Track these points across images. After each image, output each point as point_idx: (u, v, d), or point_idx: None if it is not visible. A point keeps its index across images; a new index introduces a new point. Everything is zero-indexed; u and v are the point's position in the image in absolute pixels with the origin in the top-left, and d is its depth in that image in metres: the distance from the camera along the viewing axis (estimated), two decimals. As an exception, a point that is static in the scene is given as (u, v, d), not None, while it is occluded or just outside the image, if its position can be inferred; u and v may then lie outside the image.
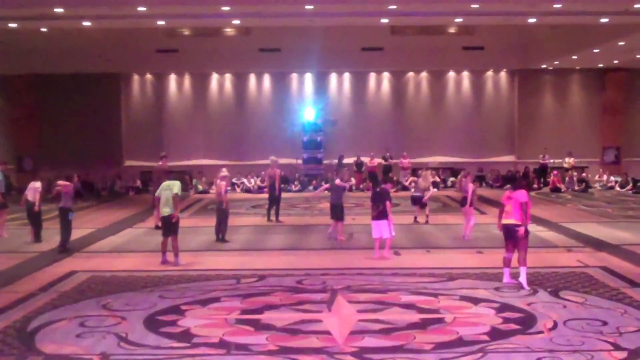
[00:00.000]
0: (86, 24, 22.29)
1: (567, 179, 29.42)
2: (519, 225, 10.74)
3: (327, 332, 8.47)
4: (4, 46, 27.15)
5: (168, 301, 10.15)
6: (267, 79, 32.51)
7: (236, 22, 24.43)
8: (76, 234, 16.31)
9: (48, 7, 19.35)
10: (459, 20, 23.94)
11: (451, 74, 32.69)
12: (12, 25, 22.43)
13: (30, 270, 12.60)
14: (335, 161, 30.72)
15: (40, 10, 19.94)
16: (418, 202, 18.65)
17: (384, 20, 23.81)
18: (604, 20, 21.41)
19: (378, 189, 14.17)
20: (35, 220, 16.04)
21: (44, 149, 31.26)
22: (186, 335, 8.48)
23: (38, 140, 31.53)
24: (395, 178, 29.82)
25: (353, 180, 15.73)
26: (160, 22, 23.16)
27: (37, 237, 15.82)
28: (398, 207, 22.52)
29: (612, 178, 29.81)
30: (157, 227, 16.08)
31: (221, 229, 15.96)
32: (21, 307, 9.86)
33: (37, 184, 16.43)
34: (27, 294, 10.65)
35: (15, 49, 28.00)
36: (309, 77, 32.41)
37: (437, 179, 30.04)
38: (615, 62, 29.56)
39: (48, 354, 7.80)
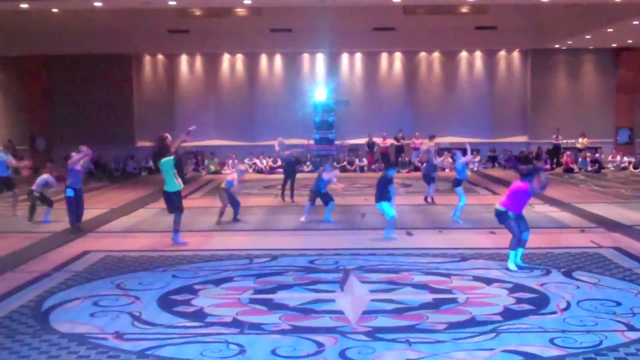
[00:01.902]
0: (97, 4, 22.26)
1: (580, 159, 29.30)
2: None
3: (340, 312, 8.48)
4: (16, 27, 27.19)
5: (181, 281, 10.18)
6: (278, 60, 32.45)
7: (247, 2, 24.37)
8: (89, 214, 16.37)
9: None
10: (471, -1, 23.81)
11: (463, 54, 32.53)
12: (24, 6, 22.42)
13: (43, 251, 12.65)
14: (347, 142, 30.79)
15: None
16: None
17: (396, 0, 23.68)
18: (618, -1, 21.24)
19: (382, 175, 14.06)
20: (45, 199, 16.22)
21: (57, 129, 31.38)
22: (200, 315, 8.51)
23: (51, 120, 31.64)
24: (407, 158, 29.85)
25: (337, 182, 15.79)
26: (172, 2, 23.12)
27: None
28: (410, 188, 22.50)
29: (625, 158, 29.69)
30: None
31: (235, 210, 15.98)
32: (35, 287, 9.91)
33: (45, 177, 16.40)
34: (41, 274, 10.70)
35: (27, 30, 28.05)
36: (320, 58, 32.31)
37: (450, 160, 29.98)
38: (629, 41, 29.30)
39: (62, 333, 7.84)
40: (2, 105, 32.42)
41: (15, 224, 15.92)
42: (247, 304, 9.02)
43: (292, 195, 19.38)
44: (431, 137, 29.33)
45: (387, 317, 8.31)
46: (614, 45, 30.56)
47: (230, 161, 30.10)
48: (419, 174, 26.86)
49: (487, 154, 31.55)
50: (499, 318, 8.23)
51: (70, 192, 14.41)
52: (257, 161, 30.01)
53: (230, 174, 16.69)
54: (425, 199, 18.76)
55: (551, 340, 7.37)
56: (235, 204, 15.96)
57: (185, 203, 16.15)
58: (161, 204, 18.17)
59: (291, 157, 19.79)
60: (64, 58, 30.97)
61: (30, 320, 8.37)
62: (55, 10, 24.67)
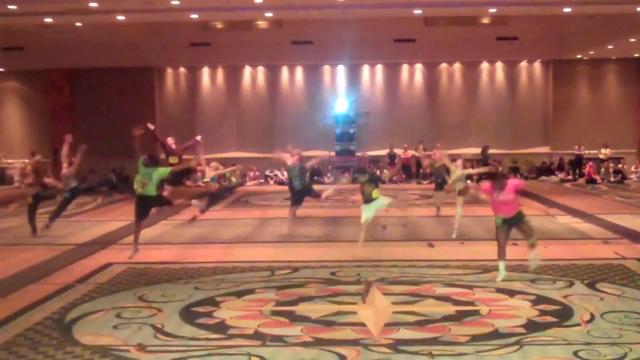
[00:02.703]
0: (120, 18, 22.50)
1: (602, 170, 29.09)
2: None
3: (362, 324, 8.46)
4: (40, 41, 27.51)
5: (203, 293, 10.20)
6: (299, 71, 32.54)
7: (269, 14, 24.47)
8: (111, 226, 16.48)
9: (83, 1, 19.57)
10: (492, 10, 23.78)
11: (485, 65, 32.45)
12: (48, 20, 22.72)
13: (66, 263, 12.73)
14: (368, 153, 30.83)
15: (75, 4, 20.18)
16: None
17: (417, 11, 23.70)
18: (641, 8, 21.12)
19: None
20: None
21: (80, 142, 31.44)
22: (222, 327, 8.53)
23: (73, 133, 31.74)
24: (428, 170, 29.76)
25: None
26: (194, 16, 23.31)
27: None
28: (431, 200, 22.41)
29: (648, 169, 29.45)
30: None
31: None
32: (58, 299, 9.97)
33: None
34: (64, 286, 10.77)
35: (51, 43, 28.36)
36: (341, 69, 32.38)
37: (471, 170, 29.82)
38: (652, 51, 29.16)
39: (85, 345, 7.89)
40: (26, 117, 32.75)
41: (38, 236, 16.01)
42: (268, 315, 9.02)
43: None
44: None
45: (409, 330, 8.28)
46: (637, 55, 30.37)
47: (252, 172, 30.19)
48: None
49: (508, 165, 31.39)
50: (522, 330, 8.17)
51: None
52: (278, 173, 30.05)
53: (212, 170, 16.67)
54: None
55: (575, 353, 7.31)
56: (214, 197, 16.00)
57: (207, 215, 16.25)
58: (183, 215, 18.35)
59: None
60: (88, 71, 31.25)
61: (54, 332, 8.42)
62: (78, 24, 24.93)
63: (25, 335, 8.29)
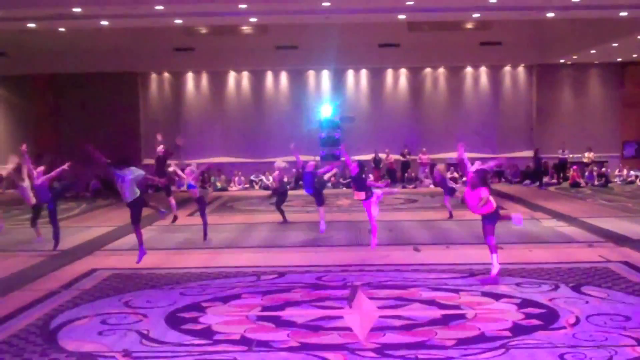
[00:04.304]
0: (104, 23, 22.41)
1: (586, 173, 29.25)
2: None
3: (348, 329, 8.45)
4: (23, 46, 27.37)
5: (189, 298, 10.17)
6: (284, 77, 32.54)
7: (253, 20, 24.45)
8: (96, 232, 16.41)
9: (66, 6, 19.48)
10: (476, 15, 23.83)
11: (469, 70, 32.58)
12: (31, 25, 22.58)
13: (50, 269, 12.66)
14: (353, 158, 30.82)
15: (59, 10, 20.07)
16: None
17: (401, 17, 23.75)
18: (623, 13, 21.25)
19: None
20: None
21: (64, 147, 31.43)
22: (207, 332, 8.50)
23: (58, 139, 31.71)
24: (413, 174, 29.84)
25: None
26: (178, 21, 23.25)
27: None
28: (416, 204, 22.53)
29: (632, 172, 29.63)
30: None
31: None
32: (43, 305, 9.92)
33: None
34: (49, 292, 10.71)
35: (34, 49, 28.22)
36: (325, 74, 32.40)
37: (456, 175, 29.99)
38: (635, 56, 29.36)
39: (70, 352, 7.83)
40: (10, 123, 32.51)
41: (22, 242, 15.90)
42: (255, 321, 9.00)
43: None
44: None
45: (395, 334, 8.28)
46: (620, 59, 30.58)
47: (237, 178, 30.16)
48: (425, 190, 26.94)
49: (493, 170, 31.47)
50: (508, 334, 8.19)
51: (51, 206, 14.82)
52: (264, 177, 30.02)
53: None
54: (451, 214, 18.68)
55: (561, 356, 7.33)
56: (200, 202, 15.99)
57: (192, 220, 16.21)
58: (168, 220, 18.33)
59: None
60: (71, 77, 31.09)
61: (38, 339, 8.36)
62: (62, 29, 24.81)
63: (9, 342, 8.22)
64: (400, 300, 9.88)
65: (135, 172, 12.64)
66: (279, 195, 18.65)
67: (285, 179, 19.36)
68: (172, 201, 18.39)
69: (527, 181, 29.82)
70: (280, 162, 18.82)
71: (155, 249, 14.67)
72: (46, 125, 31.57)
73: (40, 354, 7.75)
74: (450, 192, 18.77)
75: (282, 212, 18.39)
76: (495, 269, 10.94)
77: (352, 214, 19.45)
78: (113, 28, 24.53)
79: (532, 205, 21.43)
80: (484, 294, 10.07)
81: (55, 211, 15.02)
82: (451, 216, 18.48)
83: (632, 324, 8.43)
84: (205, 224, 15.67)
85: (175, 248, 14.72)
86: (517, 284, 10.62)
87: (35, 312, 9.56)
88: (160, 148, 18.83)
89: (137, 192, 12.58)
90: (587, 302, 9.49)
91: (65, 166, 15.59)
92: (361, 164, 13.78)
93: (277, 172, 18.86)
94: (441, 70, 32.59)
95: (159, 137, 18.90)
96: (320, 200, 16.04)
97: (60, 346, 8.06)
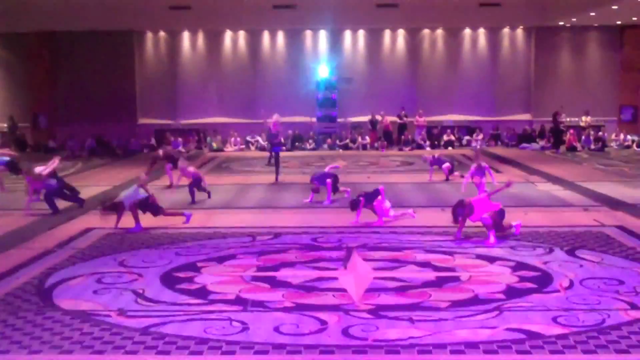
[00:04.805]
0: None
1: (583, 137, 29.21)
2: None
3: (343, 290, 8.49)
4: (17, 4, 27.07)
5: (184, 258, 10.20)
6: (281, 36, 32.27)
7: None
8: (92, 191, 16.40)
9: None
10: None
11: (467, 31, 32.32)
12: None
13: (46, 228, 12.68)
14: (350, 119, 30.82)
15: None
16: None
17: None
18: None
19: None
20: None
21: (59, 106, 31.32)
22: (202, 292, 8.53)
23: (52, 97, 31.53)
24: (409, 136, 29.79)
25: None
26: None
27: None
28: (412, 166, 22.52)
29: (628, 137, 29.55)
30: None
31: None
32: (38, 264, 9.94)
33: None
34: (44, 251, 10.74)
35: (29, 7, 27.89)
36: (323, 35, 32.13)
37: (452, 138, 30.02)
38: (634, 19, 29.09)
39: (66, 310, 7.86)
40: (4, 82, 32.28)
41: (18, 201, 15.86)
42: (249, 281, 9.03)
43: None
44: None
45: (390, 295, 8.32)
46: (619, 22, 30.34)
47: (233, 138, 30.09)
48: (421, 151, 26.88)
49: (489, 132, 31.44)
50: (501, 296, 8.23)
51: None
52: (260, 138, 29.92)
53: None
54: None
55: (554, 319, 7.38)
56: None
57: (188, 180, 16.15)
58: (163, 181, 18.34)
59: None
60: (66, 35, 30.80)
61: (34, 297, 8.39)
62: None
63: (5, 300, 8.26)
64: (395, 262, 9.91)
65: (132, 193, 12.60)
66: (275, 145, 18.77)
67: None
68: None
69: (535, 145, 29.50)
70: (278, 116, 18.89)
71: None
72: (41, 84, 31.30)
73: (35, 312, 7.77)
74: (449, 171, 18.78)
75: (277, 167, 18.57)
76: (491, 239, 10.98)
77: (347, 175, 19.38)
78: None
79: (528, 168, 21.42)
80: (479, 257, 10.11)
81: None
82: (447, 178, 18.54)
83: (626, 288, 8.47)
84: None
85: (170, 208, 14.71)
86: (512, 247, 10.65)
87: (31, 270, 9.59)
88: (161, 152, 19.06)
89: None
90: (581, 266, 9.53)
91: (55, 162, 15.14)
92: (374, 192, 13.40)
93: (274, 121, 18.89)
94: (439, 31, 32.33)
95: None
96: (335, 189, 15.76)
97: (55, 305, 8.09)
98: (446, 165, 19.00)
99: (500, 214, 11.30)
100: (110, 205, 12.68)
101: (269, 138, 19.14)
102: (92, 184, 18.50)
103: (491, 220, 11.06)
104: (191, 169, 16.33)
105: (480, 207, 11.26)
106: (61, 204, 14.61)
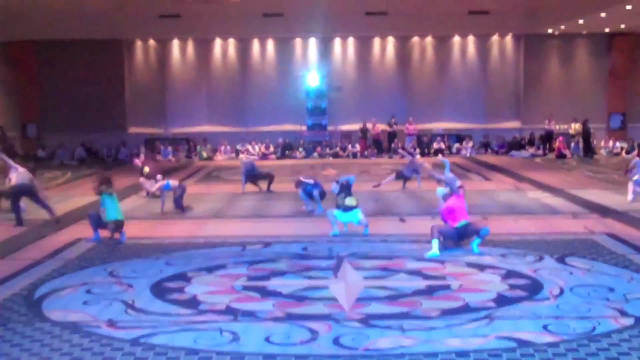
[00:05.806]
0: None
1: (572, 144, 29.30)
2: None
3: (334, 299, 8.46)
4: (5, 12, 26.99)
5: (174, 268, 10.15)
6: (270, 45, 32.31)
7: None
8: (80, 201, 16.33)
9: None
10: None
11: (456, 39, 32.45)
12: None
13: (35, 238, 12.60)
14: (340, 128, 30.82)
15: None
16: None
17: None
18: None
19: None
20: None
21: (48, 115, 31.22)
22: (193, 302, 8.49)
23: (41, 106, 31.44)
24: (400, 144, 29.83)
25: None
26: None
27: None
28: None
29: (617, 144, 29.70)
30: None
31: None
32: (27, 275, 9.87)
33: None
34: (33, 262, 10.66)
35: (17, 15, 27.82)
36: (313, 42, 32.20)
37: (442, 146, 30.09)
38: (622, 26, 29.26)
39: (55, 321, 7.81)
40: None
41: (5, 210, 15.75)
42: (240, 291, 9.00)
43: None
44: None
45: (380, 304, 8.31)
46: (607, 30, 30.51)
47: (223, 147, 30.07)
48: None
49: (479, 140, 31.52)
50: (492, 304, 8.23)
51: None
52: (250, 147, 29.91)
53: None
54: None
55: (545, 327, 7.38)
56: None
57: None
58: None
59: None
60: (55, 44, 30.73)
61: (23, 308, 8.33)
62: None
63: (-7, 311, 8.21)
64: (386, 270, 9.91)
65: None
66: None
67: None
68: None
69: (524, 152, 29.61)
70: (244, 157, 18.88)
71: (140, 219, 14.62)
72: (29, 93, 31.26)
73: (24, 324, 7.72)
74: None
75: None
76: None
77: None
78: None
79: (517, 176, 21.47)
80: (469, 265, 10.11)
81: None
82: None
83: (616, 295, 8.48)
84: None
85: (160, 218, 14.67)
86: (502, 255, 10.66)
87: (20, 281, 9.52)
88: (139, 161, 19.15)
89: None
90: (571, 273, 9.55)
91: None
92: None
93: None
94: (429, 39, 32.44)
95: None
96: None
97: (45, 316, 8.03)
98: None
99: None
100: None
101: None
102: (81, 194, 18.38)
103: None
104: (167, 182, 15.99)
105: (453, 211, 11.26)
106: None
